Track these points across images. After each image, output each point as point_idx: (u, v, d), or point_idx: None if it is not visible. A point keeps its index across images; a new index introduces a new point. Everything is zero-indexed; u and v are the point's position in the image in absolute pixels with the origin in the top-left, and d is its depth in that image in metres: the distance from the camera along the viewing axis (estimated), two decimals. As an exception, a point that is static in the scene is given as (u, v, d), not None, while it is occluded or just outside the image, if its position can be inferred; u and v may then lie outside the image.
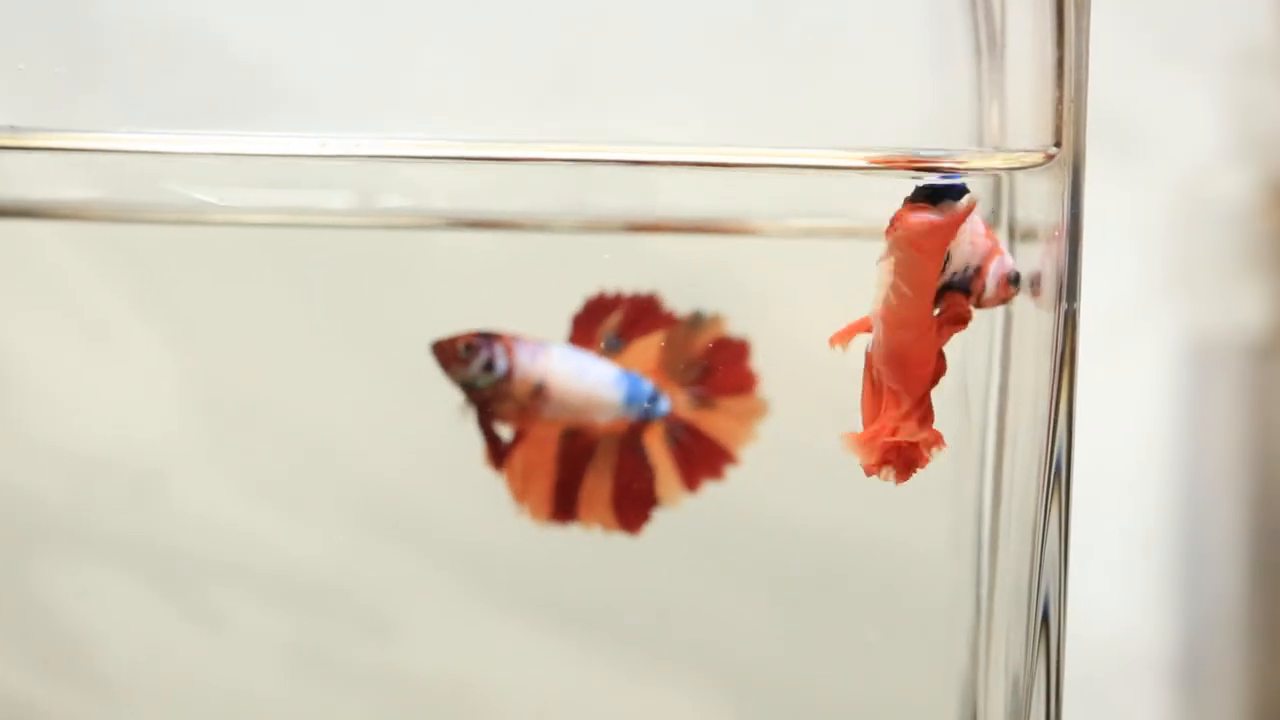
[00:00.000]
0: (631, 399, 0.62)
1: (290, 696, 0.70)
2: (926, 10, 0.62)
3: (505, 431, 0.62)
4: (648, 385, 0.62)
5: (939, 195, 0.52)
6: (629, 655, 0.70)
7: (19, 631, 0.70)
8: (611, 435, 0.62)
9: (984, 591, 0.63)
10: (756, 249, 0.67)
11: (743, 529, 0.66)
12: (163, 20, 0.66)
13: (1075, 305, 0.58)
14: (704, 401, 0.63)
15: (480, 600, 0.70)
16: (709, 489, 0.63)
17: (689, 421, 0.63)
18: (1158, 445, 0.90)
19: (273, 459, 0.70)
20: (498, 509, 0.62)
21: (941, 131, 0.62)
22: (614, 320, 0.62)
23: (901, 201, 0.53)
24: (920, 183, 0.52)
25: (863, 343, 0.55)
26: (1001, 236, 0.61)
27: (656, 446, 0.63)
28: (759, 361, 0.63)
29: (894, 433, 0.53)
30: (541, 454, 0.62)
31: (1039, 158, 0.57)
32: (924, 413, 0.54)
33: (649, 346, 0.62)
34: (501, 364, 0.61)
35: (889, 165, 0.55)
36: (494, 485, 0.62)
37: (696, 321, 0.63)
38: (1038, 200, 0.58)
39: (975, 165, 0.58)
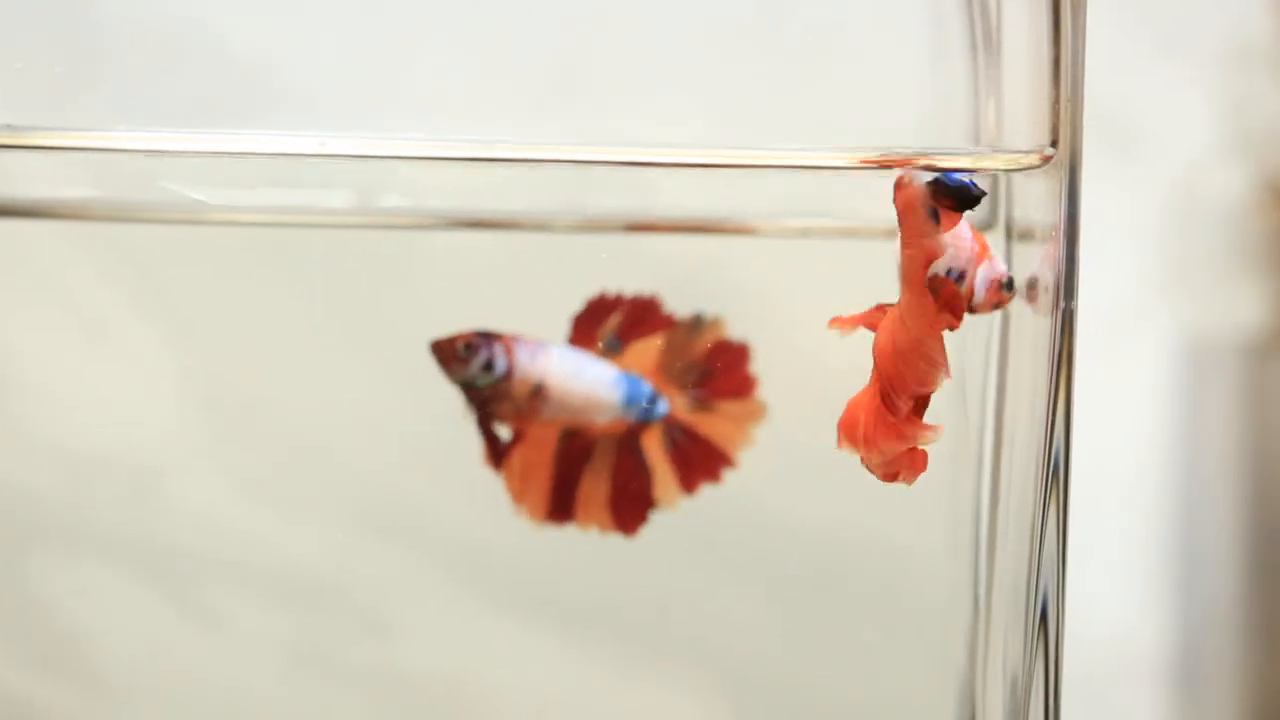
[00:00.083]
0: (630, 400, 0.62)
1: (288, 695, 0.70)
2: (923, 9, 0.62)
3: (504, 431, 0.62)
4: (647, 387, 0.62)
5: (952, 194, 0.52)
6: (628, 654, 0.70)
7: (17, 630, 0.70)
8: (610, 436, 0.62)
9: (982, 591, 0.63)
10: (755, 249, 0.68)
11: (741, 528, 0.66)
12: (161, 19, 0.66)
13: (1073, 305, 0.58)
14: (703, 404, 0.63)
15: (478, 599, 0.70)
16: (708, 488, 0.63)
17: (687, 424, 0.63)
18: (1155, 444, 0.90)
19: (271, 458, 0.70)
20: (496, 508, 0.62)
21: (938, 131, 0.62)
22: (614, 321, 0.62)
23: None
24: (940, 176, 0.52)
25: (861, 344, 0.55)
26: (999, 236, 0.61)
27: (654, 448, 0.63)
28: (758, 361, 0.63)
29: (893, 433, 0.53)
30: (540, 454, 0.62)
31: (1036, 158, 0.57)
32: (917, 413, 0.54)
33: (649, 348, 0.62)
34: (501, 364, 0.61)
35: (887, 165, 0.55)
36: (492, 485, 0.62)
37: (697, 324, 0.63)
38: (1035, 200, 0.58)
39: (972, 165, 0.58)
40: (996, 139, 0.60)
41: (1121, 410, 0.90)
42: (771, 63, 0.62)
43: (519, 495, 0.62)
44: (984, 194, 0.52)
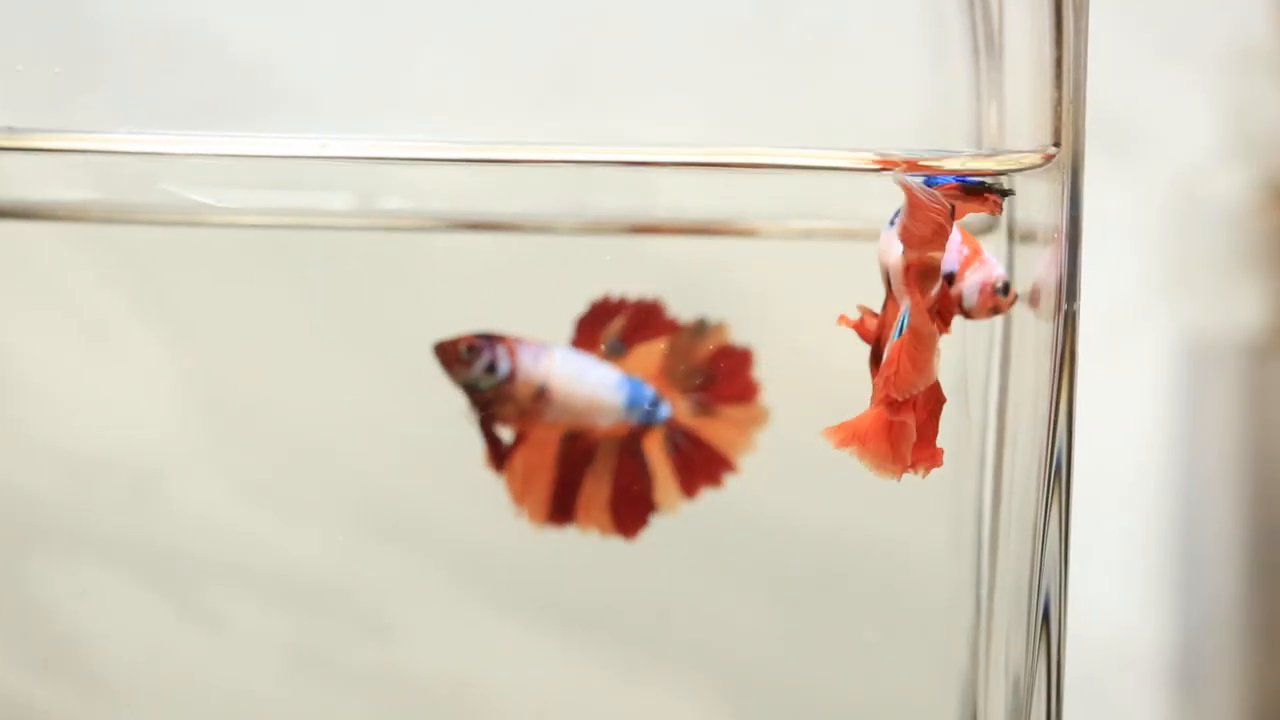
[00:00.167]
0: (633, 404, 0.62)
1: (289, 697, 0.70)
2: (924, 10, 0.62)
3: (506, 433, 0.62)
4: (649, 390, 0.62)
5: (984, 189, 0.52)
6: (628, 655, 0.70)
7: (18, 631, 0.70)
8: (612, 439, 0.62)
9: (984, 591, 0.63)
10: (755, 250, 0.67)
11: (743, 529, 0.66)
12: (161, 21, 0.66)
13: (1075, 306, 0.58)
14: (705, 409, 0.63)
15: (479, 601, 0.70)
16: (709, 491, 0.63)
17: (689, 428, 0.63)
18: (1156, 445, 0.90)
19: (272, 460, 0.70)
20: (497, 511, 0.62)
21: (940, 132, 0.62)
22: (617, 324, 0.62)
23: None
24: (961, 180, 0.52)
25: (863, 345, 0.55)
26: (1000, 238, 0.61)
27: (656, 452, 0.63)
28: (760, 363, 0.63)
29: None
30: (542, 456, 0.62)
31: (1038, 159, 0.57)
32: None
33: (652, 351, 0.62)
34: (504, 366, 0.61)
35: (888, 166, 0.55)
36: (494, 487, 0.62)
37: (700, 328, 0.63)
38: (1037, 201, 0.58)
39: (975, 166, 0.58)
40: (998, 140, 0.60)
41: (1122, 410, 0.90)
42: (773, 63, 0.62)
43: (520, 497, 0.62)
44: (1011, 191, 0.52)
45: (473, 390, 0.61)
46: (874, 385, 0.53)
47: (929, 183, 0.53)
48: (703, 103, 0.64)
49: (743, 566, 0.68)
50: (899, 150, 0.55)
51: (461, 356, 0.61)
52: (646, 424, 0.62)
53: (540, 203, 0.66)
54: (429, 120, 0.63)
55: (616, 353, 0.62)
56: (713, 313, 0.63)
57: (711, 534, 0.65)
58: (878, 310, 0.54)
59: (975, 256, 0.54)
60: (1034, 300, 0.57)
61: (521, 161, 0.59)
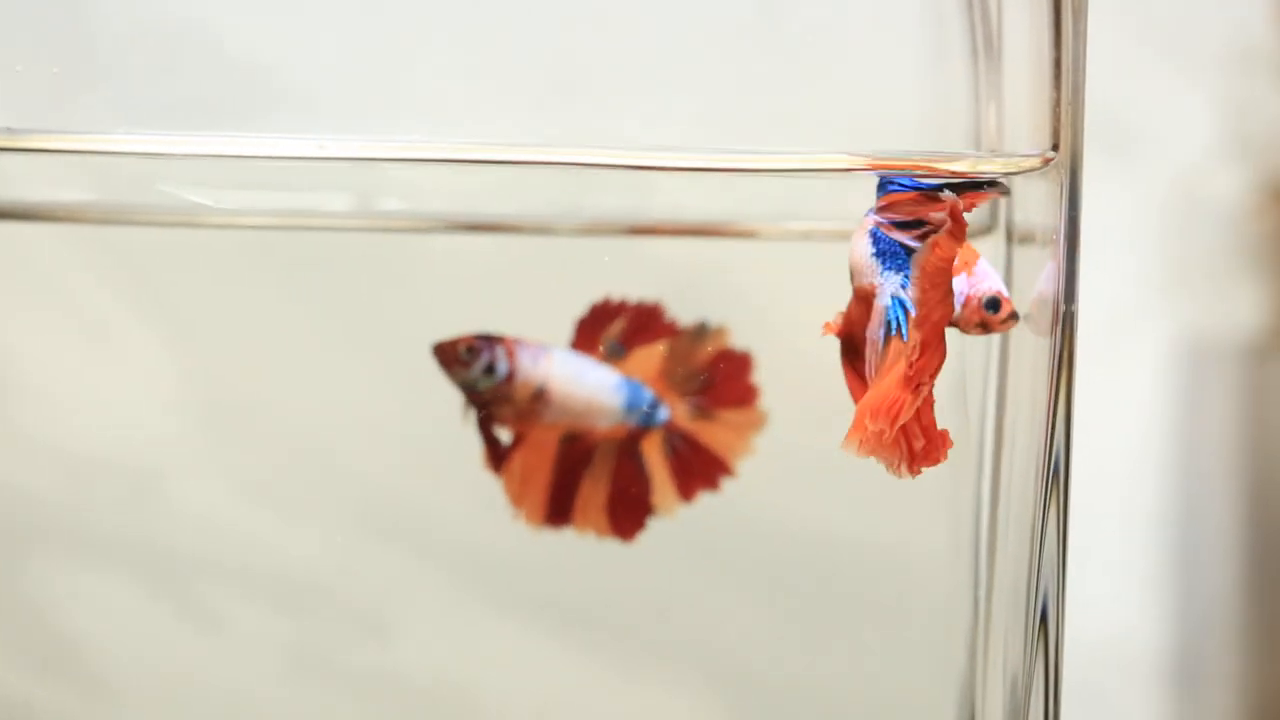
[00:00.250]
0: (631, 406, 0.62)
1: (288, 697, 0.70)
2: (924, 12, 0.62)
3: (505, 434, 0.62)
4: (648, 393, 0.62)
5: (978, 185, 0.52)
6: (627, 656, 0.70)
7: (16, 632, 0.70)
8: (610, 441, 0.62)
9: (982, 592, 0.63)
10: (753, 251, 0.67)
11: (741, 531, 0.66)
12: (160, 21, 0.66)
13: (1073, 307, 0.58)
14: (703, 412, 0.63)
15: (478, 602, 0.70)
16: (708, 492, 0.63)
17: (687, 432, 0.63)
18: (1155, 445, 0.90)
19: (270, 460, 0.70)
20: (496, 512, 0.62)
21: (939, 134, 0.62)
22: (617, 327, 0.62)
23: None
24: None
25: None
26: (999, 240, 0.61)
27: (654, 455, 0.63)
28: (759, 364, 0.63)
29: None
30: (540, 458, 0.62)
31: (1037, 161, 0.57)
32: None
33: (652, 354, 0.62)
34: (503, 367, 0.61)
35: (885, 168, 0.55)
36: (492, 488, 0.62)
37: (700, 332, 0.63)
38: (1035, 203, 0.58)
39: (974, 168, 0.57)
40: (997, 142, 0.60)
41: (1120, 411, 0.90)
42: (772, 64, 0.62)
43: (517, 498, 0.62)
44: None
45: (471, 391, 0.61)
46: (866, 382, 0.53)
47: (907, 184, 0.53)
48: (701, 104, 0.64)
49: (741, 568, 0.68)
50: (897, 151, 0.55)
51: (460, 357, 0.61)
52: (645, 426, 0.62)
53: (538, 204, 0.66)
54: (427, 121, 0.63)
55: (616, 355, 0.62)
56: (710, 314, 0.63)
57: (710, 535, 0.65)
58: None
59: (964, 266, 0.53)
60: (1033, 313, 0.57)
61: (519, 163, 0.59)
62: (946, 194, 0.52)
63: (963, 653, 0.63)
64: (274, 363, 0.69)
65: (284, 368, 0.69)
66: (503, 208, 0.66)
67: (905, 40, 0.63)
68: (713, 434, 0.63)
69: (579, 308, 0.62)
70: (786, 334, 0.63)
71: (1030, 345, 0.58)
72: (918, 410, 0.52)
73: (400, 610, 0.70)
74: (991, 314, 0.53)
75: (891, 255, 0.53)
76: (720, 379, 0.63)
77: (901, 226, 0.53)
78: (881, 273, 0.53)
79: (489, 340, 0.61)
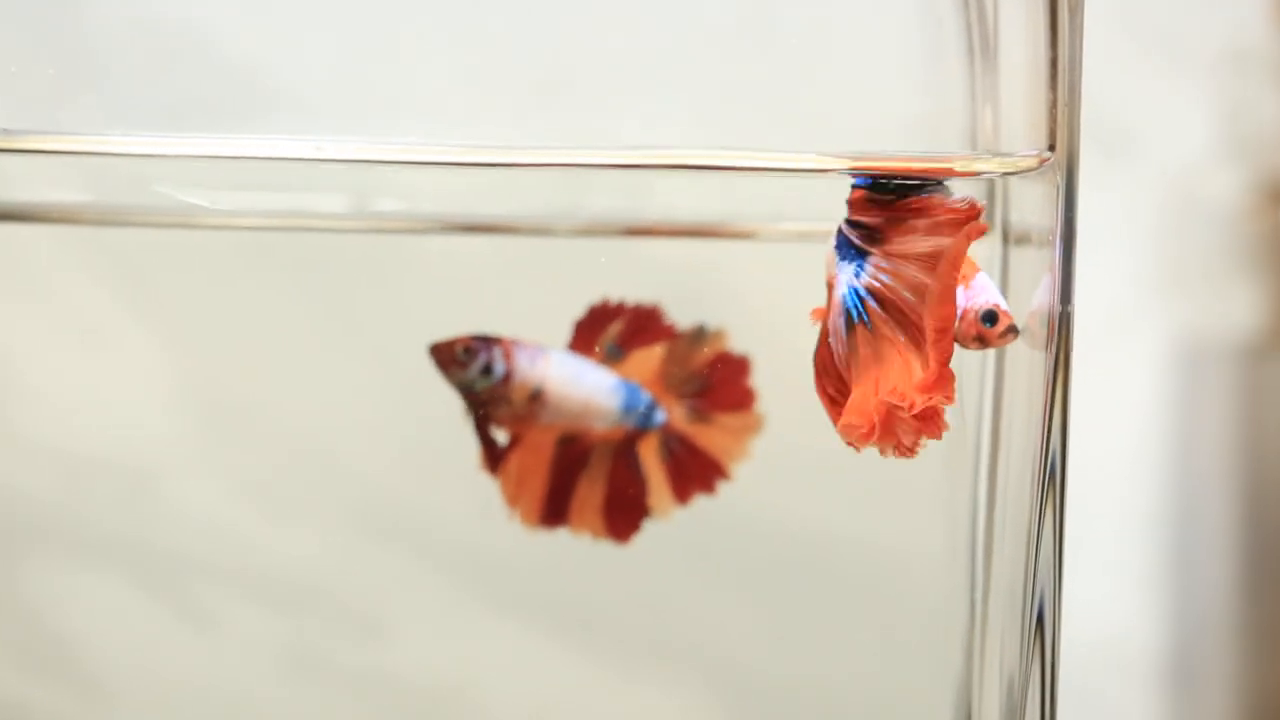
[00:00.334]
0: (628, 408, 0.62)
1: (285, 698, 0.70)
2: (919, 12, 0.62)
3: (502, 435, 0.62)
4: (645, 395, 0.62)
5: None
6: (625, 658, 0.70)
7: (13, 632, 0.70)
8: (607, 443, 0.62)
9: (979, 593, 0.63)
10: (749, 252, 0.67)
11: (738, 532, 0.66)
12: (156, 23, 0.66)
13: (1069, 307, 0.57)
14: (700, 415, 0.63)
15: (475, 603, 0.70)
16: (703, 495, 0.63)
17: (684, 434, 0.63)
18: (1151, 446, 0.90)
19: (267, 461, 0.70)
20: (492, 512, 0.62)
21: (935, 134, 0.62)
22: (615, 329, 0.62)
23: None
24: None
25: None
26: (995, 240, 0.61)
27: (650, 457, 0.63)
28: (755, 365, 0.63)
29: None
30: (536, 459, 0.62)
31: (1033, 161, 0.57)
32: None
33: (650, 357, 0.62)
34: (500, 367, 0.61)
35: (886, 169, 0.55)
36: (489, 489, 0.62)
37: (699, 335, 0.63)
38: (1032, 203, 0.58)
39: (969, 169, 0.57)
40: (993, 142, 0.60)
41: (1117, 411, 0.90)
42: (768, 65, 0.62)
43: (513, 499, 0.62)
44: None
45: (468, 391, 0.61)
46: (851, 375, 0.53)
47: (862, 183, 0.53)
48: (697, 104, 0.64)
49: (738, 569, 0.68)
50: (894, 152, 0.55)
51: (458, 357, 0.61)
52: (642, 429, 0.62)
53: (534, 205, 0.66)
54: (423, 122, 0.63)
55: (614, 357, 0.62)
56: (707, 316, 0.63)
57: (707, 536, 0.65)
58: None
59: (962, 280, 0.53)
60: (1031, 327, 0.57)
61: (515, 164, 0.59)
62: (949, 193, 0.53)
63: (959, 654, 0.63)
64: (270, 363, 0.69)
65: (280, 368, 0.69)
66: (499, 209, 0.66)
67: (901, 40, 0.63)
68: (709, 437, 0.63)
69: (575, 309, 0.62)
70: (784, 334, 0.63)
71: (1026, 346, 0.58)
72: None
73: (397, 611, 0.70)
74: (989, 328, 0.53)
75: (848, 248, 0.53)
76: (718, 382, 0.63)
77: (851, 225, 0.53)
78: (839, 264, 0.53)
79: (486, 341, 0.61)
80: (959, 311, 0.53)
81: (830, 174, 0.56)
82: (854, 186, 0.54)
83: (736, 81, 0.63)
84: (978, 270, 0.53)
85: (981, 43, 0.60)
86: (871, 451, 0.53)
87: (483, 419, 0.62)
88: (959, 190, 0.55)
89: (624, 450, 0.63)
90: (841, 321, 0.53)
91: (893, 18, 0.63)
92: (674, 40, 0.63)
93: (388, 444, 0.69)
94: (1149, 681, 0.91)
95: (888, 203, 0.53)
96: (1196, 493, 0.91)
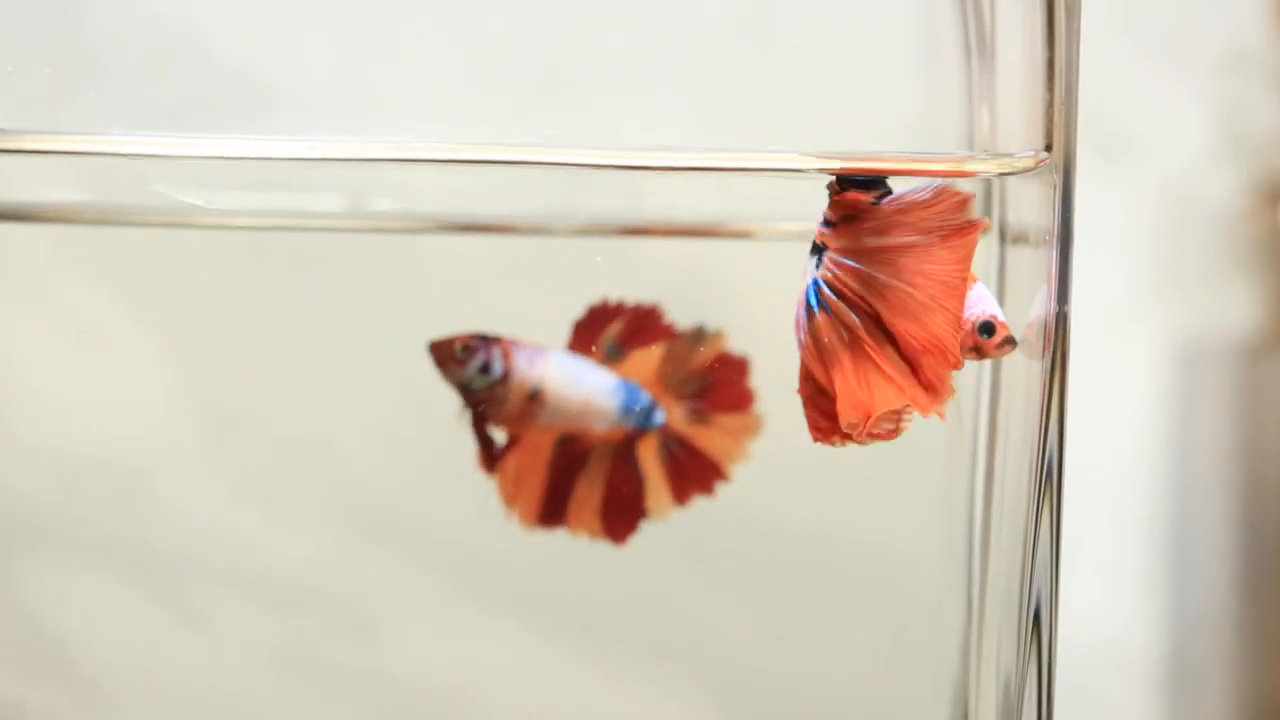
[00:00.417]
0: (627, 409, 0.62)
1: (281, 700, 0.70)
2: (917, 13, 0.62)
3: (500, 435, 0.62)
4: (644, 396, 0.62)
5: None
6: (622, 658, 0.70)
7: (9, 633, 0.70)
8: (605, 444, 0.62)
9: (975, 593, 0.63)
10: (748, 252, 0.67)
11: (735, 531, 0.66)
12: (152, 22, 0.66)
13: (1066, 308, 0.58)
14: (700, 416, 0.63)
15: (473, 603, 0.70)
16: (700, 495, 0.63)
17: (683, 435, 0.63)
18: (1147, 447, 0.90)
19: (263, 462, 0.70)
20: (490, 513, 0.62)
21: (932, 134, 0.62)
22: (615, 329, 0.62)
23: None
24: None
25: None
26: (992, 240, 0.61)
27: (649, 458, 0.63)
28: (753, 364, 0.63)
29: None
30: (534, 459, 0.62)
31: (1030, 161, 0.57)
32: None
33: (648, 357, 0.62)
34: (498, 367, 0.61)
35: (882, 170, 0.55)
36: (486, 489, 0.62)
37: (698, 335, 0.63)
38: (1028, 204, 0.58)
39: (966, 169, 0.57)
40: (991, 143, 0.60)
41: (1113, 412, 0.90)
42: (765, 65, 0.62)
43: (511, 499, 0.62)
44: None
45: (466, 390, 0.61)
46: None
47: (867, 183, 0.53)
48: (694, 104, 0.64)
49: (736, 569, 0.68)
50: (891, 152, 0.55)
51: (456, 355, 0.61)
52: (641, 429, 0.62)
53: (531, 204, 0.66)
54: (422, 122, 0.63)
55: (614, 357, 0.62)
56: (706, 315, 0.63)
57: (705, 536, 0.65)
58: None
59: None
60: (1028, 337, 0.57)
61: (512, 163, 0.59)
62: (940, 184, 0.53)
63: (956, 654, 0.63)
64: (268, 363, 0.69)
65: (278, 368, 0.69)
66: (497, 208, 0.66)
67: (899, 41, 0.63)
68: (708, 438, 0.63)
69: (573, 309, 0.62)
70: (784, 336, 0.63)
71: (1023, 346, 0.58)
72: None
73: (394, 611, 0.70)
74: (986, 339, 0.53)
75: (814, 244, 0.54)
76: (717, 383, 0.63)
77: (823, 222, 0.54)
78: (808, 260, 0.53)
79: (485, 340, 0.61)
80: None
81: (829, 175, 0.56)
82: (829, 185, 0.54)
83: (735, 81, 0.63)
84: (974, 280, 0.53)
85: (979, 43, 0.60)
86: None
87: (480, 418, 0.61)
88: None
89: (623, 451, 0.63)
90: (802, 313, 0.53)
91: (890, 18, 0.63)
92: (669, 42, 0.63)
93: (385, 444, 0.69)
94: (1147, 682, 0.91)
95: (854, 200, 0.54)
96: (1194, 493, 0.91)
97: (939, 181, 0.53)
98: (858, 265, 0.53)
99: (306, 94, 0.67)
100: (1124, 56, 0.87)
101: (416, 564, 0.70)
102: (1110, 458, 0.89)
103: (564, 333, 0.62)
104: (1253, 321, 0.90)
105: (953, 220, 0.52)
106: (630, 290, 0.62)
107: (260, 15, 0.66)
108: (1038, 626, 0.59)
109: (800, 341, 0.54)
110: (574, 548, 0.63)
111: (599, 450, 0.62)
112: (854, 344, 0.53)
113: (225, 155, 0.59)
